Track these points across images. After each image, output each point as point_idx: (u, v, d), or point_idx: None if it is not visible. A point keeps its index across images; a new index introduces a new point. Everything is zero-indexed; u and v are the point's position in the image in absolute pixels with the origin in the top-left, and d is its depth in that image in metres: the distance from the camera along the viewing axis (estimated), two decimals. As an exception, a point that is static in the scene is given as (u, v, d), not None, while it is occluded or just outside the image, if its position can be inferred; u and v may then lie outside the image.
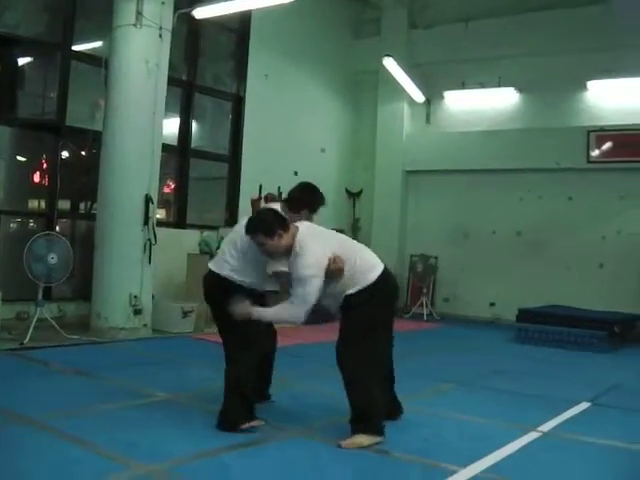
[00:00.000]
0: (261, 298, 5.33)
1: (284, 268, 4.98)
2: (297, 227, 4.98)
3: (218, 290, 5.22)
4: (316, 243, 4.89)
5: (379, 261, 5.15)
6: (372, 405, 4.86)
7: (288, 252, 4.89)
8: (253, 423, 4.94)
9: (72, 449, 4.42)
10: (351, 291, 4.91)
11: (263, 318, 4.95)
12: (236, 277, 5.15)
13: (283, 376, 5.98)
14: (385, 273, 5.06)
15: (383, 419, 4.91)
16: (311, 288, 4.76)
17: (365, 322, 4.93)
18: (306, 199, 5.54)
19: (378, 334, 5.04)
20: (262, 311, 4.96)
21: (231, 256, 5.19)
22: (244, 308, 4.90)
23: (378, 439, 4.79)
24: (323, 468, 4.39)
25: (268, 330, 5.38)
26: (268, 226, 4.86)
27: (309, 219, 5.38)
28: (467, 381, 7.36)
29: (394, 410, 5.41)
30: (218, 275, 5.21)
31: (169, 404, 5.72)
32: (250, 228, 4.95)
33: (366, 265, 5.02)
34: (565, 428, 5.55)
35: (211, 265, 5.34)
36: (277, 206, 5.38)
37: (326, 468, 4.39)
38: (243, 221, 5.27)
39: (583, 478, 4.43)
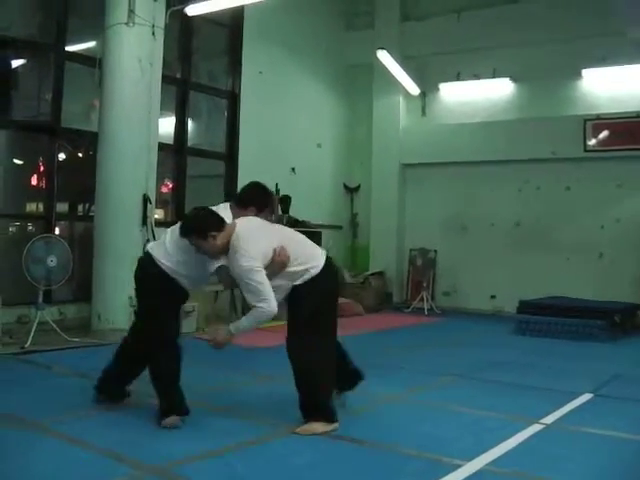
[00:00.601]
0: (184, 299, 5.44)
1: (224, 262, 4.98)
2: (235, 224, 4.96)
3: (149, 277, 5.23)
4: (252, 237, 4.87)
5: (321, 254, 5.17)
6: (322, 393, 5.01)
7: (226, 250, 4.90)
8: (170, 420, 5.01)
9: (76, 451, 4.43)
10: (296, 283, 4.98)
11: (242, 331, 4.94)
12: (172, 269, 5.09)
13: (278, 374, 5.94)
14: (327, 265, 5.10)
15: (333, 406, 5.04)
16: (256, 280, 4.75)
17: (310, 312, 4.99)
18: (253, 198, 5.47)
19: (325, 322, 5.10)
20: (238, 325, 4.93)
21: (173, 247, 5.12)
22: (220, 334, 4.97)
23: (333, 426, 4.92)
24: (326, 464, 4.39)
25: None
26: (200, 227, 4.86)
27: (265, 217, 5.38)
28: (469, 374, 7.35)
29: (355, 378, 5.55)
30: (150, 256, 5.20)
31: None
32: (182, 230, 4.96)
33: (309, 258, 5.05)
34: (568, 420, 5.55)
35: (151, 249, 5.30)
36: (226, 205, 5.41)
37: (329, 463, 4.40)
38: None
39: (587, 469, 4.43)
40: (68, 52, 10.07)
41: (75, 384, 6.53)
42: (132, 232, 9.06)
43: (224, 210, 5.26)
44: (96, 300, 9.13)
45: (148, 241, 9.08)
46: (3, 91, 9.80)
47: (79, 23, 10.29)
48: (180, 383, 5.14)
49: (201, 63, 12.37)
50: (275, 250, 4.85)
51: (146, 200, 9.13)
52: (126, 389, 5.69)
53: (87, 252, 9.49)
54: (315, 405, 4.97)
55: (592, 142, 12.36)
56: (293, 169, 13.13)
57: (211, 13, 10.67)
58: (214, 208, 5.21)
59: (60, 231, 10.09)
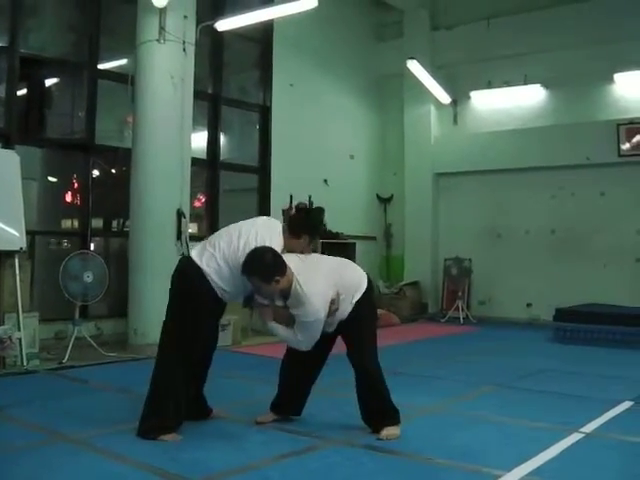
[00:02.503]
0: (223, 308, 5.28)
1: (280, 303, 4.94)
2: (291, 269, 4.85)
3: (185, 277, 5.13)
4: (318, 285, 4.84)
5: (363, 273, 5.27)
6: (390, 399, 5.14)
7: (284, 295, 4.87)
8: (166, 437, 4.94)
9: (114, 465, 4.44)
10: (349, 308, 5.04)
11: (274, 332, 4.99)
12: (216, 281, 4.95)
13: (324, 385, 5.94)
14: (369, 284, 5.22)
15: None
16: (315, 330, 4.85)
17: (370, 326, 5.19)
18: (308, 224, 5.45)
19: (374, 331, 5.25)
20: (276, 327, 4.96)
21: (220, 251, 5.01)
22: (266, 312, 4.95)
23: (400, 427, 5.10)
24: (365, 476, 4.36)
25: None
26: (266, 271, 4.75)
27: (309, 247, 5.32)
28: (507, 383, 7.30)
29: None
30: (195, 264, 5.02)
31: (209, 418, 5.71)
32: (247, 269, 4.79)
33: (354, 284, 5.12)
34: (608, 428, 5.47)
35: (193, 254, 5.14)
36: (278, 228, 5.24)
37: (368, 476, 4.36)
38: (253, 220, 5.37)
39: (628, 479, 4.36)
40: (101, 70, 10.19)
41: (112, 398, 6.58)
42: (167, 247, 9.10)
43: (277, 236, 5.11)
44: (132, 315, 9.18)
45: (183, 254, 9.13)
46: (38, 110, 9.94)
47: (111, 41, 10.42)
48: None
49: (232, 77, 12.46)
50: (333, 300, 4.88)
51: (180, 215, 9.18)
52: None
53: (122, 267, 9.56)
54: (392, 410, 5.11)
55: (626, 146, 12.24)
56: (326, 181, 13.14)
57: (241, 28, 10.73)
58: (265, 230, 5.13)
59: (95, 247, 10.18)
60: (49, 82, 10.34)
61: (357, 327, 5.08)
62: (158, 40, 9.09)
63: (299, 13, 10.12)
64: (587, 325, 10.41)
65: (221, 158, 11.90)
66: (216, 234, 5.29)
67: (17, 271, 7.72)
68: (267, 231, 5.11)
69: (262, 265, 4.75)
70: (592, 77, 12.72)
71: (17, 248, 7.77)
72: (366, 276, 5.23)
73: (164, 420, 4.99)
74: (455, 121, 14.59)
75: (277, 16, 10.81)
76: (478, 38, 13.72)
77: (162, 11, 9.03)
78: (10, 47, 9.15)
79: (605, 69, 12.48)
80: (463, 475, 4.36)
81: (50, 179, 10.69)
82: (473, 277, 13.73)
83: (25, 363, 7.65)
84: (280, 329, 4.94)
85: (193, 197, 10.75)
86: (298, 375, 5.36)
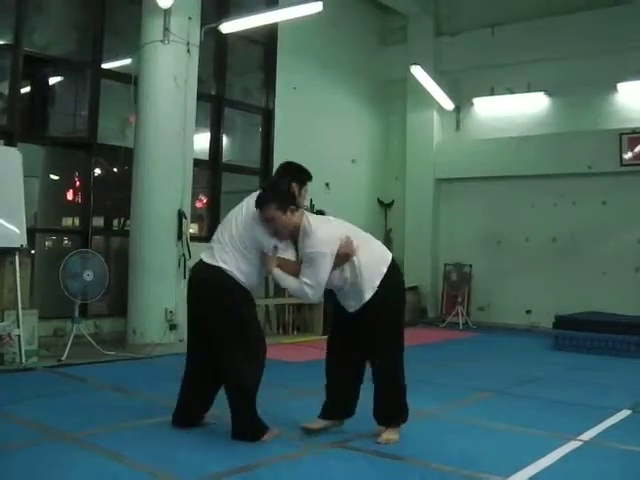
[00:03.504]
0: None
1: (289, 256, 4.88)
2: (304, 212, 4.92)
3: (209, 282, 4.93)
4: (325, 224, 4.87)
5: (388, 252, 5.11)
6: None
7: (294, 235, 4.83)
8: (272, 432, 4.97)
9: (111, 464, 4.44)
10: (366, 296, 4.85)
11: (279, 280, 4.88)
12: (231, 267, 4.86)
13: (310, 388, 5.93)
14: (394, 264, 5.03)
15: None
16: (320, 267, 4.69)
17: (393, 325, 5.01)
18: (293, 172, 5.36)
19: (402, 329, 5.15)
20: (280, 274, 4.83)
21: (226, 240, 4.93)
22: (271, 261, 4.84)
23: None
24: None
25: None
26: (282, 198, 4.78)
27: (300, 196, 5.22)
28: (505, 389, 7.29)
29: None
30: (217, 268, 4.88)
31: (207, 419, 5.71)
32: (263, 199, 4.78)
33: (378, 250, 5.05)
34: (606, 436, 5.46)
35: (204, 257, 5.02)
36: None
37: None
38: (244, 200, 5.16)
39: (626, 487, 4.38)
40: (104, 69, 10.20)
41: (110, 397, 6.57)
42: (167, 247, 9.11)
43: None
44: (131, 314, 9.19)
45: (183, 256, 9.14)
46: (41, 108, 9.94)
47: (115, 41, 10.43)
48: None
49: (235, 80, 12.46)
50: (342, 239, 4.79)
51: (181, 215, 9.18)
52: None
53: (123, 266, 9.57)
54: (398, 412, 5.05)
55: (628, 156, 12.25)
56: (327, 184, 13.13)
57: (245, 30, 10.74)
58: (254, 195, 5.01)
59: (96, 245, 10.18)
60: (52, 81, 10.34)
61: (377, 320, 4.89)
62: (162, 41, 9.10)
63: (304, 17, 10.13)
64: (586, 333, 10.40)
65: (223, 160, 11.90)
66: (217, 231, 5.18)
67: (17, 268, 7.72)
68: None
69: (279, 192, 4.83)
70: (595, 86, 12.71)
71: (18, 245, 7.77)
72: (390, 257, 5.04)
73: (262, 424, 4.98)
74: (458, 127, 14.60)
75: (282, 19, 10.81)
76: (482, 45, 13.73)
77: (167, 12, 9.04)
78: (14, 45, 9.15)
79: (608, 78, 12.49)
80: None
81: (52, 177, 10.72)
82: (473, 283, 13.73)
83: (24, 360, 7.65)
84: (284, 275, 4.82)
85: (195, 198, 10.77)
86: (344, 375, 5.16)
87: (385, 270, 4.91)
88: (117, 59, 10.54)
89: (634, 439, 5.35)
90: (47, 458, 4.55)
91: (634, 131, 12.22)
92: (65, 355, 8.16)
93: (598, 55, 12.52)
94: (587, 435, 5.44)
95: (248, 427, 4.92)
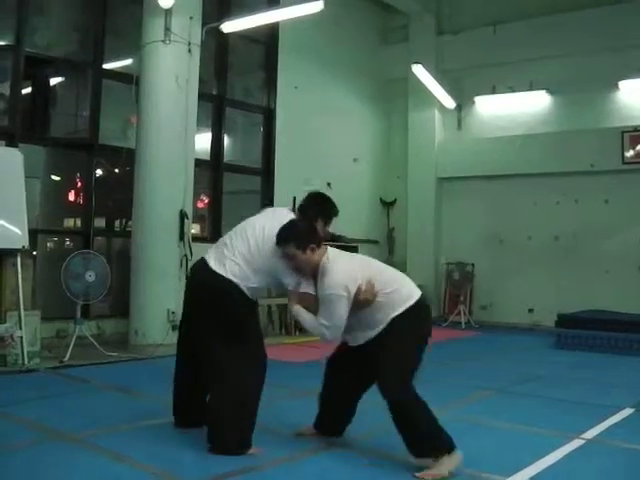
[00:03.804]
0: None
1: (310, 290, 4.71)
2: (326, 247, 4.74)
3: (217, 293, 4.78)
4: (344, 263, 4.64)
5: (416, 291, 4.76)
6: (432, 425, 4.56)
7: (315, 271, 4.65)
8: (254, 450, 4.71)
9: (113, 465, 4.44)
10: (373, 333, 4.62)
11: (297, 317, 4.74)
12: (241, 281, 4.73)
13: (312, 388, 5.91)
14: (419, 303, 4.70)
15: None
16: (336, 309, 4.49)
17: (405, 347, 4.60)
18: (319, 208, 5.16)
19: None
20: (300, 312, 4.68)
21: (240, 253, 4.78)
22: (293, 297, 4.74)
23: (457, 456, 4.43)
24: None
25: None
26: (302, 237, 4.62)
27: (324, 232, 5.05)
28: (507, 388, 7.28)
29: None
30: (221, 276, 4.76)
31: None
32: (282, 237, 4.66)
33: (400, 296, 4.64)
34: (609, 435, 5.47)
35: (211, 262, 4.87)
36: (290, 215, 5.00)
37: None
38: (263, 213, 5.15)
39: (629, 486, 4.37)
40: (105, 70, 10.19)
41: (113, 398, 6.57)
42: (169, 247, 9.10)
43: (290, 216, 4.99)
44: (133, 315, 9.18)
45: (185, 256, 9.14)
46: (43, 109, 9.94)
47: (116, 41, 10.42)
48: None
49: (237, 79, 12.46)
50: (360, 284, 4.52)
51: (183, 216, 9.17)
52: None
53: (125, 267, 9.55)
54: (431, 442, 4.49)
55: (630, 154, 12.23)
56: (329, 184, 13.10)
57: (246, 30, 10.73)
58: (277, 220, 4.85)
59: (98, 246, 10.17)
60: (54, 81, 10.34)
61: (388, 346, 4.56)
62: (163, 41, 9.09)
63: (305, 16, 10.12)
64: (589, 331, 10.40)
65: (225, 159, 11.90)
66: (229, 234, 5.08)
67: (19, 269, 7.72)
68: (279, 220, 4.83)
69: (298, 232, 4.68)
70: (597, 84, 12.70)
71: (19, 246, 7.77)
72: (418, 296, 4.72)
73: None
74: (459, 126, 14.59)
75: (283, 18, 10.81)
76: (484, 43, 13.72)
77: (168, 12, 9.03)
78: (15, 46, 9.15)
79: (610, 76, 12.47)
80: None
81: (53, 178, 10.71)
82: (475, 282, 13.72)
83: (26, 361, 7.65)
84: (304, 313, 4.67)
85: (196, 198, 10.76)
86: (339, 396, 5.02)
87: (406, 307, 4.62)
88: (118, 59, 10.53)
89: (637, 437, 5.35)
90: (49, 458, 4.56)
91: (636, 129, 12.20)
92: (67, 356, 8.16)
93: (600, 53, 12.51)
94: (590, 433, 5.45)
95: (234, 439, 4.73)
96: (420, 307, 4.72)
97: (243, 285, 4.74)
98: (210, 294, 4.82)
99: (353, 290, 4.51)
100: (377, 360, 4.61)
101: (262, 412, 4.90)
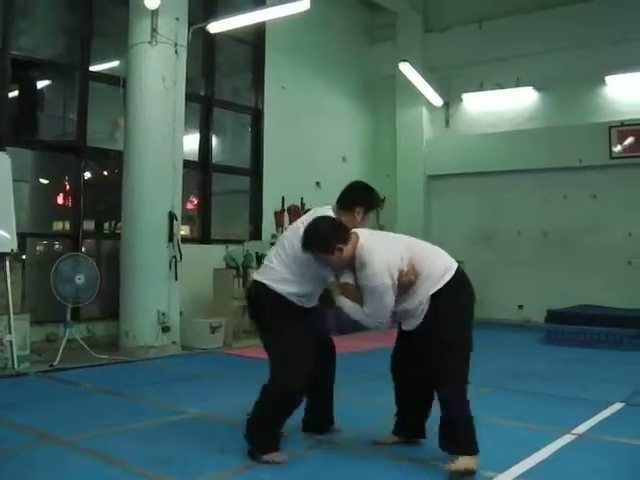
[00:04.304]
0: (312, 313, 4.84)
1: (350, 280, 4.54)
2: (357, 235, 4.50)
3: (260, 301, 4.73)
4: (381, 249, 4.41)
5: (452, 262, 4.62)
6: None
7: (351, 263, 4.47)
8: (277, 458, 4.54)
9: (105, 468, 4.43)
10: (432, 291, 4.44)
11: (344, 309, 4.53)
12: (283, 287, 4.60)
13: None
14: (458, 274, 4.57)
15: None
16: (382, 298, 4.35)
17: (453, 334, 4.51)
18: (360, 195, 4.94)
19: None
20: (345, 302, 4.51)
21: (280, 263, 4.66)
22: (335, 288, 4.59)
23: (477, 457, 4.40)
24: (357, 477, 4.37)
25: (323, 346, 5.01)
26: (324, 241, 4.40)
27: (364, 221, 4.83)
28: (498, 384, 7.28)
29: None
30: (262, 284, 4.67)
31: (201, 420, 5.71)
32: (305, 243, 4.46)
33: (438, 271, 4.50)
34: (600, 430, 5.49)
35: (255, 275, 4.84)
36: (329, 210, 4.82)
37: (360, 477, 4.37)
38: (299, 222, 4.83)
39: (620, 480, 4.39)
40: (92, 72, 10.19)
41: (104, 401, 6.56)
42: (158, 249, 9.09)
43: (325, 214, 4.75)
44: (124, 317, 9.16)
45: (174, 257, 9.13)
46: (30, 112, 9.92)
47: (103, 43, 10.43)
48: None
49: (224, 80, 12.46)
50: (401, 267, 4.38)
51: (172, 217, 9.16)
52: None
53: (114, 269, 9.54)
54: (467, 440, 4.44)
55: (618, 149, 12.29)
56: (318, 183, 13.12)
57: (233, 30, 10.72)
58: (311, 214, 4.77)
59: (87, 249, 10.16)
60: (41, 84, 10.33)
61: (434, 336, 4.46)
62: (150, 42, 9.08)
63: (291, 15, 10.11)
64: (578, 327, 10.43)
65: (213, 160, 11.89)
66: (276, 245, 4.95)
67: (8, 273, 7.69)
68: (314, 214, 4.73)
69: (318, 235, 4.44)
70: (584, 79, 12.75)
71: (8, 250, 7.75)
72: (454, 268, 4.57)
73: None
74: (447, 123, 14.61)
75: (269, 18, 10.79)
76: (470, 41, 13.74)
77: (154, 13, 9.02)
78: (1, 49, 9.12)
79: (597, 71, 12.52)
80: (457, 476, 4.36)
81: (41, 181, 10.67)
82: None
83: (16, 366, 7.62)
84: (349, 304, 4.50)
85: (185, 199, 10.74)
86: (410, 391, 4.89)
87: (444, 282, 4.48)
88: (105, 61, 10.52)
89: (627, 432, 5.37)
90: (41, 462, 4.54)
91: (623, 124, 12.25)
92: (58, 359, 8.13)
93: (586, 48, 12.54)
94: (581, 428, 5.47)
95: (254, 434, 4.65)
96: (459, 278, 4.57)
97: (279, 286, 4.62)
98: (255, 304, 4.84)
99: (396, 275, 4.37)
100: (426, 348, 4.54)
101: (242, 411, 4.89)
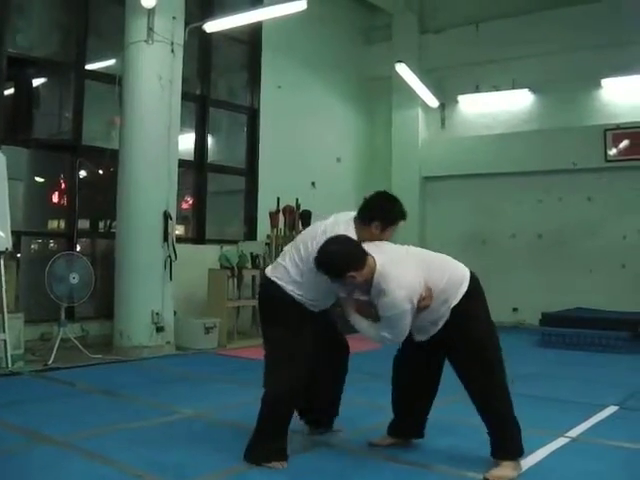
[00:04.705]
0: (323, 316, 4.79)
1: (364, 297, 4.47)
2: (374, 258, 4.33)
3: (269, 299, 4.71)
4: (401, 276, 4.27)
5: (466, 271, 4.63)
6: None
7: (367, 284, 4.34)
8: (277, 464, 4.45)
9: (99, 468, 4.42)
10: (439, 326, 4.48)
11: (356, 324, 4.51)
12: (292, 289, 4.52)
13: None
14: (473, 282, 4.58)
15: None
16: (400, 324, 4.30)
17: (476, 337, 4.56)
18: (379, 208, 4.70)
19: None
20: (358, 319, 4.49)
21: (293, 264, 4.55)
22: (348, 303, 4.52)
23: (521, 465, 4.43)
24: (348, 477, 4.38)
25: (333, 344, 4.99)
26: (336, 267, 4.25)
27: (385, 235, 4.65)
28: (493, 387, 7.28)
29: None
30: (272, 281, 4.60)
31: (195, 421, 5.71)
32: (317, 264, 4.30)
33: (454, 283, 4.49)
34: (594, 433, 5.49)
35: (267, 270, 4.76)
36: (350, 221, 4.66)
37: (351, 477, 4.38)
38: (320, 226, 4.68)
39: (614, 483, 4.39)
40: (88, 70, 10.17)
41: (98, 401, 6.55)
42: (153, 248, 9.07)
43: (346, 228, 4.56)
44: (118, 317, 9.14)
45: (169, 257, 9.12)
46: (25, 110, 9.89)
47: (99, 42, 10.40)
48: None
49: (220, 79, 12.44)
50: (420, 294, 4.30)
51: (167, 217, 9.14)
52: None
53: (109, 269, 9.52)
54: (508, 440, 4.47)
55: (613, 152, 12.30)
56: (313, 183, 13.12)
57: (229, 29, 10.72)
58: (332, 222, 4.66)
59: (82, 248, 10.15)
60: (36, 82, 10.29)
61: (460, 341, 4.50)
62: (146, 41, 9.06)
63: (288, 15, 10.10)
64: (573, 330, 10.45)
65: (209, 160, 11.88)
66: (292, 242, 4.87)
67: (2, 272, 7.67)
68: (335, 224, 4.62)
69: (330, 261, 4.27)
70: (580, 82, 12.75)
71: (2, 249, 7.72)
72: (469, 276, 4.57)
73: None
74: (443, 125, 14.61)
75: (266, 18, 10.78)
76: (466, 42, 13.73)
77: (150, 12, 8.99)
78: (-3, 47, 9.11)
79: (593, 74, 12.52)
80: (448, 478, 4.36)
81: (37, 180, 10.65)
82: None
83: (10, 365, 7.61)
84: (363, 322, 4.47)
85: (180, 199, 10.74)
86: (413, 393, 4.89)
87: (461, 294, 4.48)
88: (101, 60, 10.50)
89: (621, 435, 5.37)
90: (35, 462, 4.55)
91: (618, 127, 12.26)
92: (52, 359, 8.11)
93: (583, 51, 12.53)
94: (575, 431, 5.47)
95: (254, 443, 4.57)
96: (474, 287, 4.58)
97: (292, 288, 4.54)
98: (265, 301, 4.80)
99: (416, 299, 4.28)
100: (459, 354, 4.58)
101: (235, 413, 4.87)
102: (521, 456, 4.46)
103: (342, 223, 4.62)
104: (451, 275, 4.52)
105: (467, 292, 4.48)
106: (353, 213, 4.75)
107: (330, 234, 4.46)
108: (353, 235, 4.50)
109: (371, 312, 4.44)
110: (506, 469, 4.34)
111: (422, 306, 4.33)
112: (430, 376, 4.84)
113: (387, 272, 4.27)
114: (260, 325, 4.97)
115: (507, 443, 4.45)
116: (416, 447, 4.93)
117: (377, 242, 4.55)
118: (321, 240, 4.42)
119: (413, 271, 4.35)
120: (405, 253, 4.59)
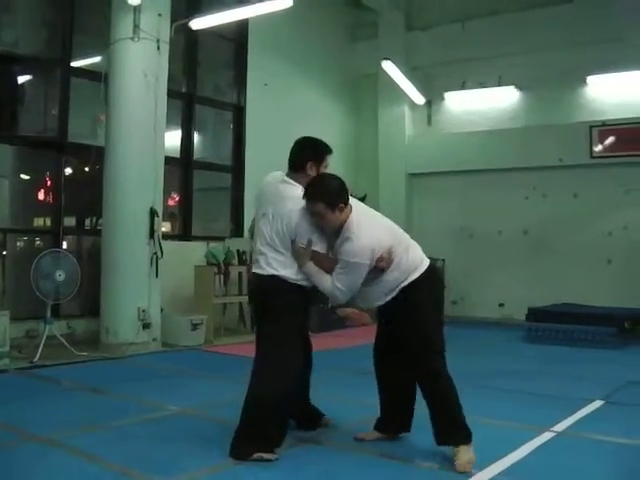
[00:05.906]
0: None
1: (322, 250, 4.58)
2: (351, 206, 4.59)
3: (261, 292, 4.75)
4: (370, 229, 4.50)
5: (425, 261, 4.73)
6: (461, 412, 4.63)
7: (337, 231, 4.54)
8: (266, 455, 4.48)
9: (86, 465, 4.42)
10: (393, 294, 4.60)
11: (310, 276, 4.56)
12: (284, 272, 4.58)
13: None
14: (430, 270, 4.73)
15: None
16: (356, 276, 4.44)
17: (429, 323, 4.67)
18: (304, 149, 5.02)
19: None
20: (313, 270, 4.54)
21: (274, 251, 4.63)
22: (304, 253, 4.54)
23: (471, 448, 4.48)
24: (339, 474, 4.37)
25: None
26: (333, 196, 4.48)
27: (317, 174, 4.79)
28: (478, 382, 7.28)
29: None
30: (263, 276, 4.67)
31: (181, 418, 5.71)
32: (312, 194, 4.49)
33: (412, 263, 4.63)
34: (580, 427, 5.52)
35: (254, 268, 4.81)
36: (282, 179, 4.88)
37: (342, 474, 4.37)
38: (269, 187, 4.88)
39: (600, 477, 4.40)
40: (74, 68, 10.11)
41: (84, 398, 6.53)
42: (139, 245, 9.06)
43: (283, 184, 4.80)
44: (104, 314, 9.12)
45: (155, 254, 9.10)
46: (10, 107, 9.83)
47: (84, 39, 10.34)
48: None
49: (206, 76, 12.41)
50: (381, 252, 4.47)
51: (153, 213, 9.13)
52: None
53: (95, 266, 9.50)
54: (463, 427, 4.55)
55: (598, 148, 12.34)
56: (300, 181, 13.11)
57: (216, 26, 10.69)
58: (270, 180, 4.96)
59: (68, 245, 10.11)
60: (21, 79, 10.23)
61: (412, 316, 4.60)
62: (132, 38, 9.04)
63: (274, 12, 10.09)
64: (559, 325, 10.49)
65: (195, 157, 11.86)
66: (256, 237, 4.92)
67: (-13, 269, 7.66)
68: (281, 198, 4.74)
69: (329, 189, 4.52)
70: (565, 79, 12.79)
71: (-12, 246, 7.70)
72: (425, 266, 4.69)
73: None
74: (429, 122, 14.64)
75: (252, 15, 10.76)
76: (453, 39, 13.76)
77: (136, 9, 8.98)
78: (-18, 43, 9.07)
79: (578, 71, 12.56)
80: (433, 475, 4.38)
81: (22, 177, 10.60)
82: (446, 277, 13.74)
83: (-5, 362, 7.59)
84: (316, 272, 4.54)
85: (166, 196, 10.71)
86: (395, 388, 4.95)
87: (415, 277, 4.61)
88: (87, 57, 10.45)
89: (607, 429, 5.40)
90: (20, 460, 4.52)
91: (604, 124, 12.31)
92: (37, 356, 8.09)
93: (568, 48, 12.58)
94: (561, 426, 5.49)
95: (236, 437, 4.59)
96: (431, 273, 4.75)
97: (283, 271, 4.59)
98: (259, 294, 4.84)
99: (375, 257, 4.48)
100: (404, 332, 4.68)
101: (223, 410, 4.87)
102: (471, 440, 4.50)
103: (278, 176, 4.96)
104: (411, 257, 4.66)
105: (418, 279, 4.61)
106: (279, 172, 5.04)
107: (283, 209, 4.65)
108: (299, 189, 4.65)
109: (324, 263, 4.56)
110: (467, 452, 4.44)
111: (379, 266, 4.50)
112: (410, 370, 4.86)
113: (360, 222, 4.52)
114: (257, 322, 5.00)
115: (459, 428, 4.53)
116: (402, 442, 4.95)
117: (357, 201, 4.79)
118: (281, 217, 4.63)
119: (383, 231, 4.63)
120: (381, 217, 4.83)
